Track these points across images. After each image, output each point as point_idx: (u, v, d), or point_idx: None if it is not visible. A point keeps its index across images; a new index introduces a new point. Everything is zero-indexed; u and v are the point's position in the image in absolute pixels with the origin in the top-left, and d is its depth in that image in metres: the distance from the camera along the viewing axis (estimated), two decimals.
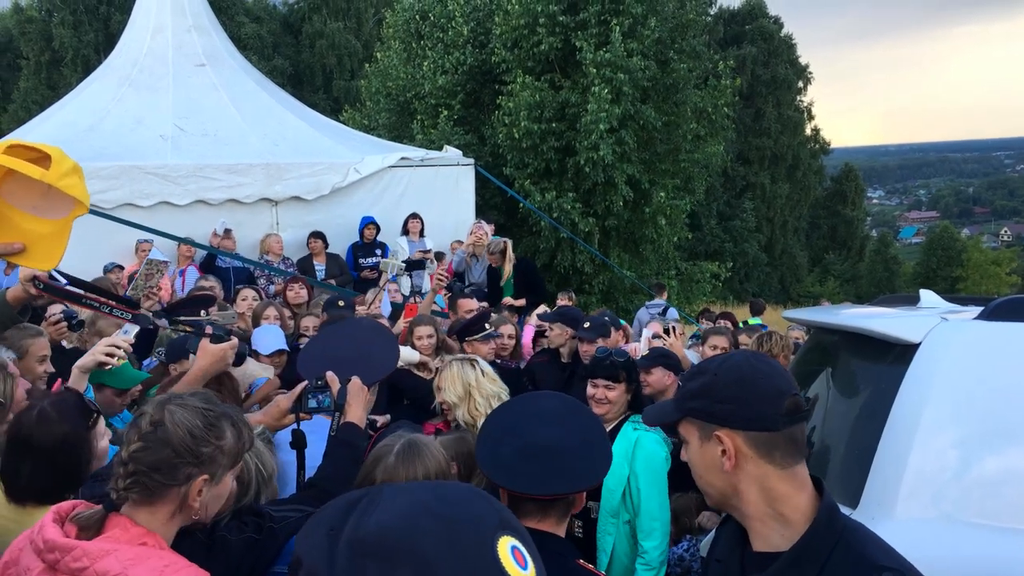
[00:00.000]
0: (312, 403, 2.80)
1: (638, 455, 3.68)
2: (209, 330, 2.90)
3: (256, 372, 3.27)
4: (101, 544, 1.74)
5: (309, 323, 5.83)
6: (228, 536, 2.17)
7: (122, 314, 2.91)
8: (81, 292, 2.85)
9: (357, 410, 2.76)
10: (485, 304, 7.11)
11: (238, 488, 2.32)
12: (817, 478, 1.70)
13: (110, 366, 3.09)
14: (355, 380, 2.79)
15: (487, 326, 5.43)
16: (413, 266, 9.38)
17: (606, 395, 3.84)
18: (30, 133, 10.26)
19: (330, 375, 2.80)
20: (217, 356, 2.87)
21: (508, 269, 8.58)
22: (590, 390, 3.88)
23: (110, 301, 2.89)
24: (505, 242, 8.77)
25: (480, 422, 3.57)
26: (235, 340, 2.94)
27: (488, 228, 9.46)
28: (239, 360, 3.01)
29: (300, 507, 2.39)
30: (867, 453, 2.89)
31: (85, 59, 34.32)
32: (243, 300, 6.73)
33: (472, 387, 3.76)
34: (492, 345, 5.45)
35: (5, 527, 2.29)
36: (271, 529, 2.25)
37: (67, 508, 1.86)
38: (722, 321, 7.09)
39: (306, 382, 2.84)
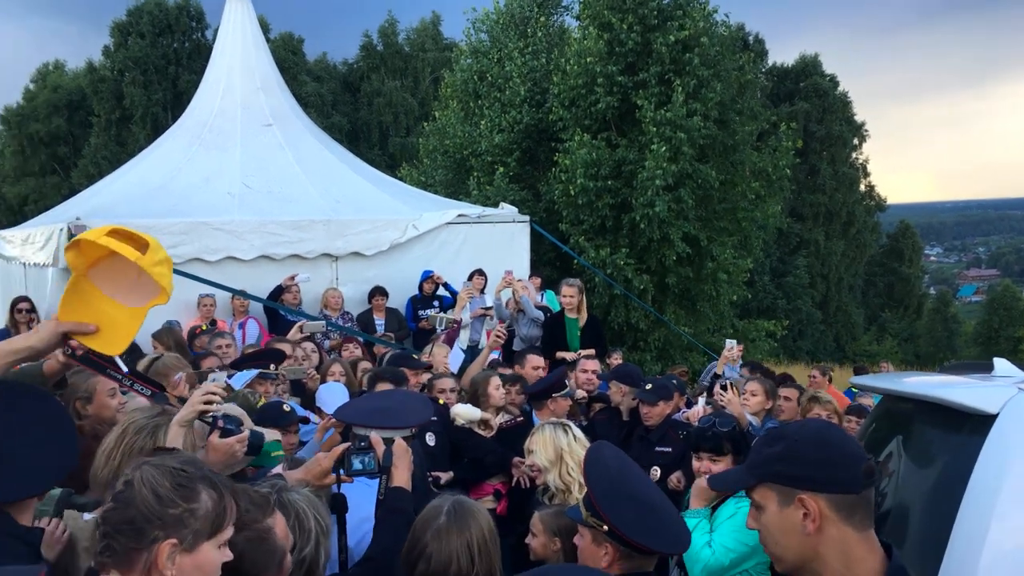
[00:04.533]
0: (356, 465, 2.72)
1: (736, 521, 3.30)
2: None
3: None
4: None
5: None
6: None
7: (142, 389, 2.87)
8: (106, 364, 2.82)
9: (403, 472, 2.71)
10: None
11: (300, 537, 2.32)
12: (887, 543, 1.75)
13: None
14: (399, 442, 2.75)
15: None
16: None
17: (711, 469, 3.56)
18: (105, 189, 10.68)
19: (374, 436, 2.76)
20: (224, 451, 2.74)
21: (584, 315, 8.39)
22: (695, 463, 3.67)
23: (133, 377, 2.86)
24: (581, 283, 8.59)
25: (574, 487, 3.59)
26: (245, 433, 2.84)
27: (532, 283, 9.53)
28: (253, 450, 2.90)
29: None
30: (943, 528, 2.83)
31: (154, 117, 35.66)
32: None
33: (564, 452, 3.75)
34: (570, 402, 5.50)
35: None
36: None
37: None
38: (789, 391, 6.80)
39: (348, 443, 2.80)
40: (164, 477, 1.77)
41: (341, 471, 2.77)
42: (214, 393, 2.92)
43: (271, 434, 3.29)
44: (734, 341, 7.33)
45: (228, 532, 1.85)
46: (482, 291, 10.05)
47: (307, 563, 2.33)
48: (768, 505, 1.77)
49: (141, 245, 2.13)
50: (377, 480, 2.77)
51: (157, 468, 1.80)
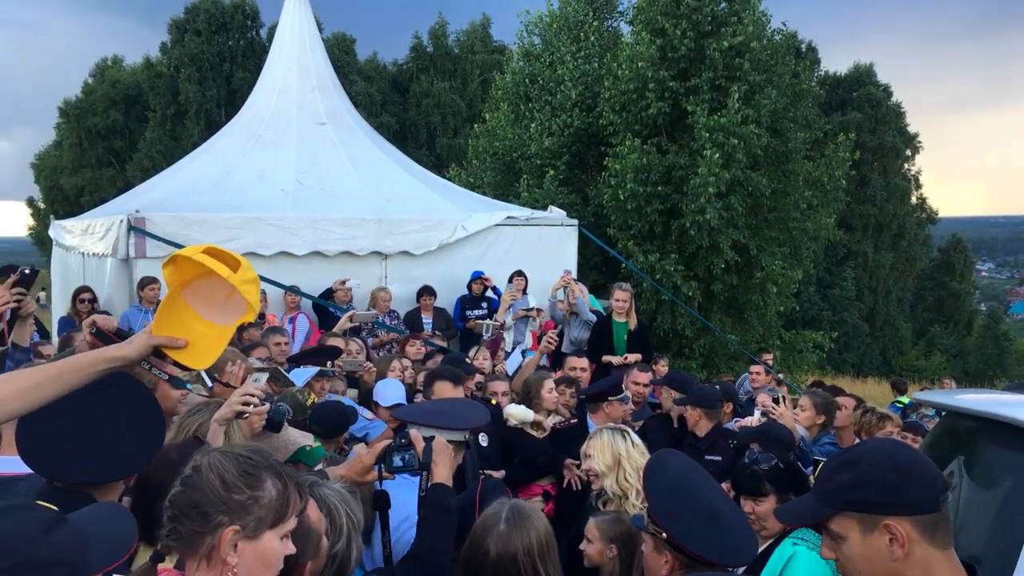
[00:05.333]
0: (397, 461, 2.71)
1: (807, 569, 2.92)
2: None
3: (297, 440, 3.24)
4: None
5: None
6: None
7: (160, 373, 2.92)
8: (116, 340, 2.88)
9: (443, 469, 2.69)
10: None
11: (332, 533, 2.34)
12: (971, 565, 1.71)
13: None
14: (439, 438, 2.74)
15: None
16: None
17: (754, 510, 3.33)
18: (163, 183, 10.89)
19: (414, 433, 2.75)
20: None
21: (633, 319, 8.40)
22: (740, 501, 3.46)
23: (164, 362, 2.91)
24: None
25: (631, 494, 3.57)
26: (265, 407, 2.88)
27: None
28: (274, 426, 2.92)
29: None
30: (1010, 550, 2.77)
31: (208, 113, 36.29)
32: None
33: (622, 457, 3.73)
34: (628, 407, 5.50)
35: None
36: None
37: None
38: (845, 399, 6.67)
39: (389, 441, 2.79)
40: (231, 463, 1.80)
41: (383, 468, 2.77)
42: (252, 395, 2.97)
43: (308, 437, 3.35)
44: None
45: (291, 523, 1.85)
46: (523, 292, 10.07)
47: (339, 559, 2.34)
48: (849, 535, 1.73)
49: (233, 264, 2.20)
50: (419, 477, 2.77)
51: (224, 455, 1.83)
